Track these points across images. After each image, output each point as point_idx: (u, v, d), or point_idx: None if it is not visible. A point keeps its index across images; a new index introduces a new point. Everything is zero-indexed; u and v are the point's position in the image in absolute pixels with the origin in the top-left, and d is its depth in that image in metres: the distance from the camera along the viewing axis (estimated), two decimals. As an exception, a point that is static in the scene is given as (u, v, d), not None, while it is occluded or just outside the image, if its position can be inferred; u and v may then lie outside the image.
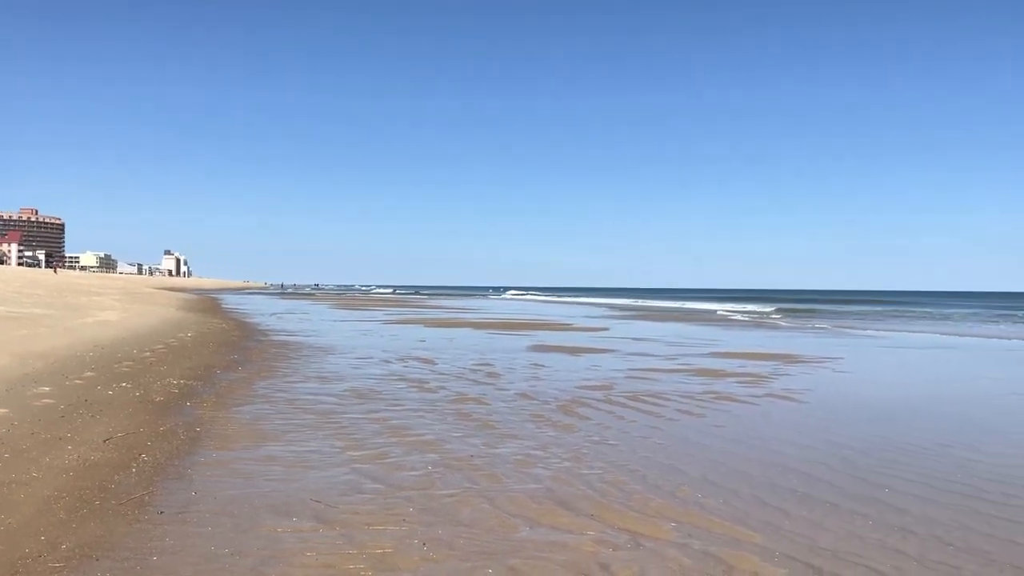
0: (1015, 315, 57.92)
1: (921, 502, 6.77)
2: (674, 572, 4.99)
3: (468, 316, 43.52)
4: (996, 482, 7.51)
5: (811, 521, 6.16)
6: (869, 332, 34.72)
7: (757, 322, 44.12)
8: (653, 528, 5.91)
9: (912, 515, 6.38)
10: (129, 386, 11.75)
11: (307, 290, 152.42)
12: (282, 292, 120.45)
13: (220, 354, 17.85)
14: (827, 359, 20.35)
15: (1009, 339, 31.26)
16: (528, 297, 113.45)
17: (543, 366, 17.09)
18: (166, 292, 73.63)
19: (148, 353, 16.48)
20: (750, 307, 71.31)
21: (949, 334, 34.06)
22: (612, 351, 21.51)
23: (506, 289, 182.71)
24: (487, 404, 11.68)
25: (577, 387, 13.69)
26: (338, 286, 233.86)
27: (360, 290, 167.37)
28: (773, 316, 54.43)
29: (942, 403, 12.73)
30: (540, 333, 29.27)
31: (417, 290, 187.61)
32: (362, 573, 4.88)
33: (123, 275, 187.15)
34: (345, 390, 12.76)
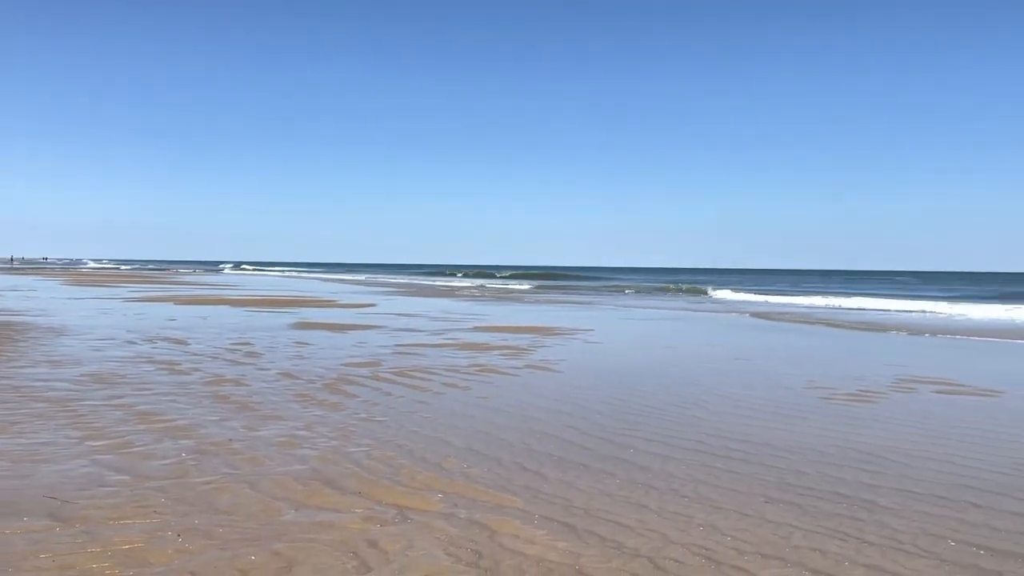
0: (756, 287, 65.31)
1: (660, 459, 7.48)
2: (441, 542, 5.11)
3: (224, 293, 41.18)
4: (720, 437, 8.49)
5: (566, 483, 6.59)
6: (622, 305, 37.58)
7: (519, 297, 46.07)
8: (420, 501, 6.01)
9: (653, 471, 7.03)
10: None
11: (37, 264, 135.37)
12: (10, 267, 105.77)
13: (-77, 338, 15.42)
14: (580, 330, 21.75)
15: (727, 313, 35.25)
16: (272, 273, 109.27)
17: (307, 344, 16.64)
18: None
19: None
20: (512, 284, 74.23)
21: (682, 309, 37.77)
22: (379, 327, 21.43)
23: (238, 264, 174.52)
24: (247, 385, 11.17)
25: (343, 364, 13.50)
26: (69, 260, 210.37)
27: (85, 264, 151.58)
28: (532, 291, 57.22)
29: (677, 368, 14.10)
30: (303, 310, 28.44)
31: (144, 264, 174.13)
32: (107, 572, 4.49)
33: None
34: (83, 375, 11.59)
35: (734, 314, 31.74)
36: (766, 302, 43.61)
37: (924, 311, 35.24)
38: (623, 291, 58.76)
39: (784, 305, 40.21)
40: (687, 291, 59.04)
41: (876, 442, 8.37)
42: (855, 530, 5.53)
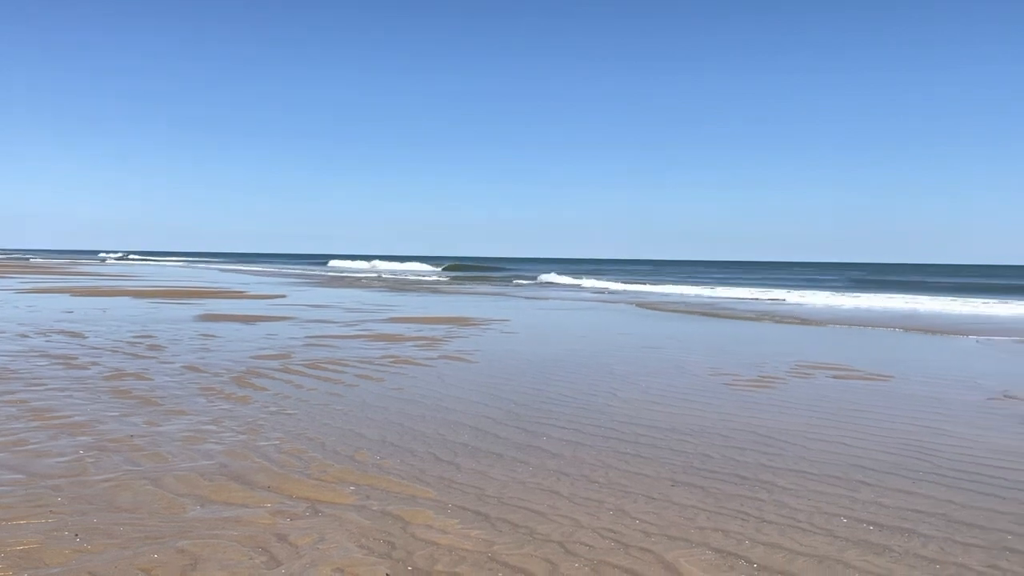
0: (647, 279, 66.76)
1: (572, 446, 7.62)
2: (353, 534, 5.08)
3: (124, 284, 39.50)
4: (630, 424, 8.70)
5: (479, 472, 6.64)
6: (533, 296, 37.89)
7: (432, 287, 45.87)
8: (332, 494, 5.94)
9: (565, 458, 7.16)
10: None
11: None
12: None
13: None
14: (495, 321, 21.85)
15: (616, 303, 36.06)
16: (169, 263, 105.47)
17: (214, 336, 16.16)
18: None
19: None
20: (421, 266, 73.82)
21: (586, 301, 38.39)
22: (290, 319, 20.99)
23: (126, 253, 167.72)
24: (149, 379, 10.77)
25: (252, 357, 13.17)
26: None
27: None
28: (442, 280, 57.16)
29: (590, 357, 14.35)
30: (210, 301, 27.57)
31: (23, 254, 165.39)
32: (1, 574, 4.28)
33: None
34: (-31, 371, 10.94)
35: (622, 304, 32.46)
36: (637, 291, 44.71)
37: (757, 299, 36.91)
38: (511, 281, 59.35)
39: (659, 295, 41.35)
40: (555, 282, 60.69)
41: (776, 425, 8.74)
42: (755, 510, 5.78)
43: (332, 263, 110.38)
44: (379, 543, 4.94)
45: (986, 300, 35.56)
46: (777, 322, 24.04)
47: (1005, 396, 10.81)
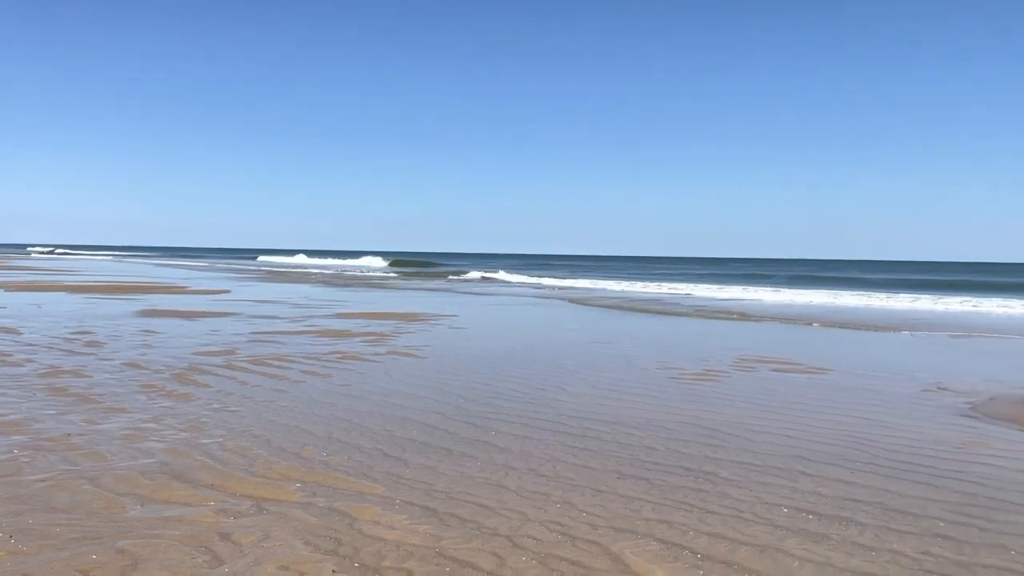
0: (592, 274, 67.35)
1: (521, 441, 7.65)
2: (298, 532, 5.02)
3: (58, 278, 38.30)
4: (578, 418, 8.77)
5: (428, 467, 6.62)
6: (478, 292, 37.87)
7: (380, 282, 45.51)
8: (278, 491, 5.86)
9: (513, 453, 7.18)
10: None
11: None
12: None
13: None
14: (444, 316, 21.79)
15: (548, 298, 36.36)
16: (102, 257, 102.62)
17: (155, 332, 15.78)
18: None
19: None
20: (371, 261, 73.18)
21: (525, 296, 38.54)
22: (235, 314, 20.62)
23: (54, 247, 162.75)
24: (87, 376, 10.47)
25: (195, 353, 12.90)
26: None
27: None
28: (390, 275, 56.82)
29: (539, 351, 14.41)
30: (151, 296, 26.92)
31: None
32: (-75, 583, 4.12)
33: None
34: None
35: (555, 299, 32.72)
36: (556, 286, 45.14)
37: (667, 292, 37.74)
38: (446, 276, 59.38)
39: (584, 289, 41.83)
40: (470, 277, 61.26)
41: (720, 418, 8.90)
42: (699, 501, 5.88)
43: (261, 258, 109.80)
44: (325, 540, 4.89)
45: (916, 296, 36.75)
46: (709, 318, 24.48)
47: (938, 388, 11.19)
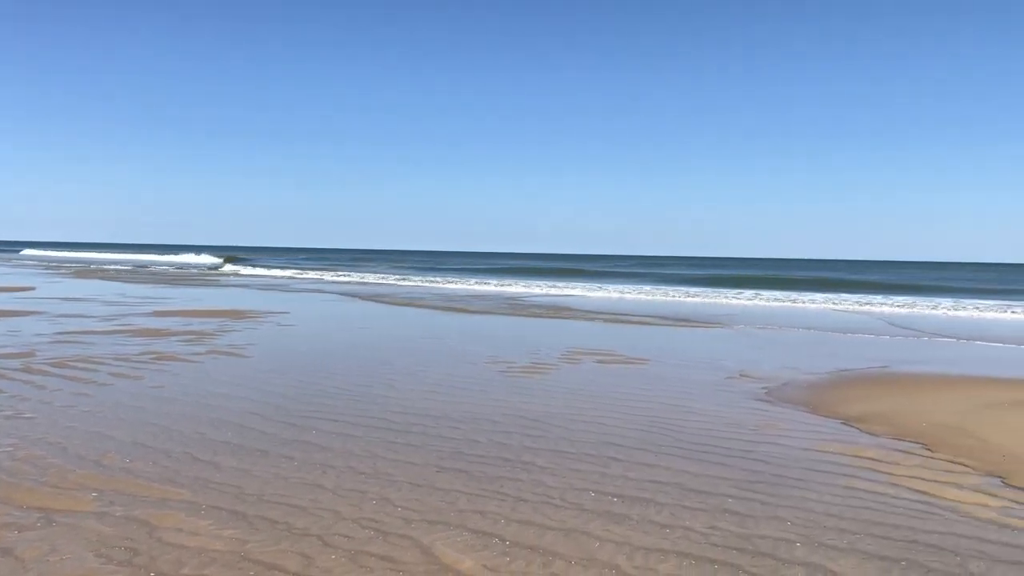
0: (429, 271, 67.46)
1: (342, 439, 7.55)
2: (91, 543, 4.71)
3: None
4: (403, 413, 8.77)
5: (241, 470, 6.40)
6: (315, 289, 36.92)
7: (209, 278, 43.34)
8: (71, 502, 5.48)
9: (333, 451, 7.08)
10: None
11: None
12: None
13: None
14: (273, 313, 21.08)
15: (329, 293, 36.39)
16: None
17: (-61, 334, 14.24)
18: None
19: None
20: (201, 258, 69.65)
21: (365, 296, 38.17)
22: (38, 313, 18.97)
23: None
24: None
25: (-14, 356, 11.76)
26: None
27: None
28: (225, 269, 54.31)
29: (369, 348, 14.26)
30: (-61, 294, 24.24)
31: None
32: None
33: None
34: None
35: (335, 294, 32.77)
36: (318, 278, 45.57)
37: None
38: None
39: (362, 284, 42.32)
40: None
41: (543, 409, 9.20)
42: (514, 490, 6.06)
43: (25, 251, 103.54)
44: (120, 550, 4.63)
45: (739, 292, 39.54)
46: (529, 317, 25.24)
47: (741, 375, 12.11)
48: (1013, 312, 28.58)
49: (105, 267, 57.87)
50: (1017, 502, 5.99)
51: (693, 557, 4.76)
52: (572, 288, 40.99)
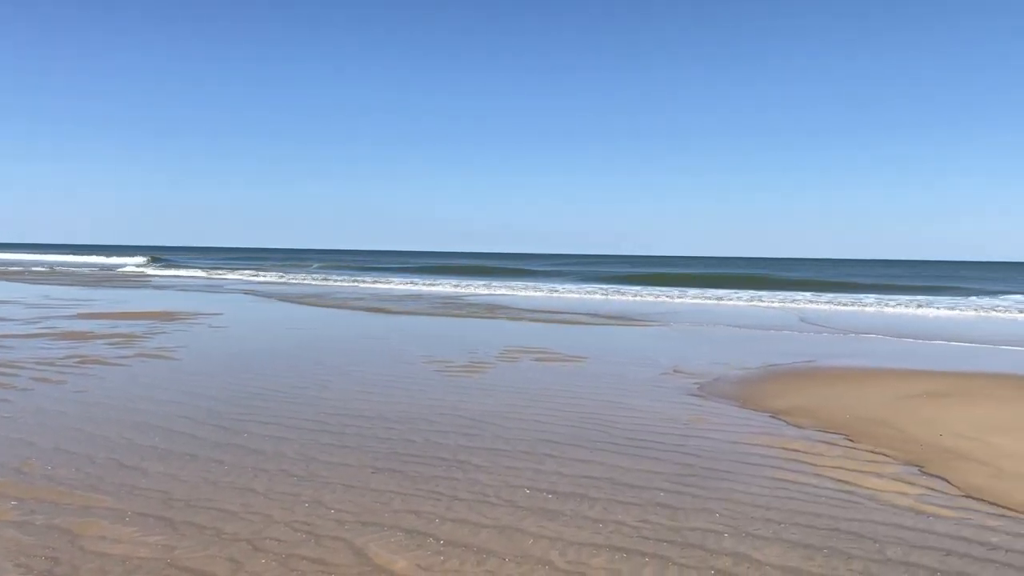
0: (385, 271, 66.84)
1: (275, 441, 7.44)
2: (10, 553, 4.55)
3: None
4: (337, 414, 8.68)
5: (168, 475, 6.25)
6: (247, 290, 36.19)
7: (136, 279, 42.09)
8: (-14, 512, 5.27)
9: (265, 454, 6.97)
10: None
11: None
12: None
13: None
14: (206, 314, 20.60)
15: (239, 292, 36.03)
16: None
17: None
18: None
19: None
20: (131, 258, 67.69)
21: (299, 298, 37.64)
22: (-49, 317, 18.14)
23: None
24: None
25: None
26: None
27: None
28: (152, 270, 52.83)
29: (305, 349, 14.06)
30: None
31: None
32: None
33: None
34: None
35: (267, 296, 32.47)
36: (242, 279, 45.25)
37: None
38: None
39: (264, 283, 42.10)
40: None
41: (480, 408, 9.21)
42: (449, 489, 6.06)
43: None
44: (40, 560, 4.48)
45: (682, 291, 40.21)
46: (466, 317, 25.28)
47: (674, 371, 12.34)
48: (935, 309, 29.79)
49: (32, 268, 55.65)
50: (933, 489, 6.27)
51: (625, 551, 4.85)
52: (511, 287, 41.13)
